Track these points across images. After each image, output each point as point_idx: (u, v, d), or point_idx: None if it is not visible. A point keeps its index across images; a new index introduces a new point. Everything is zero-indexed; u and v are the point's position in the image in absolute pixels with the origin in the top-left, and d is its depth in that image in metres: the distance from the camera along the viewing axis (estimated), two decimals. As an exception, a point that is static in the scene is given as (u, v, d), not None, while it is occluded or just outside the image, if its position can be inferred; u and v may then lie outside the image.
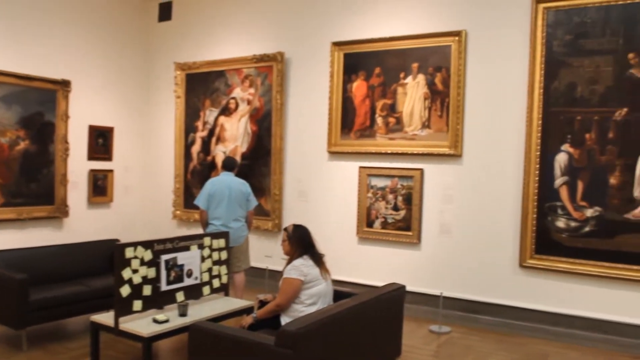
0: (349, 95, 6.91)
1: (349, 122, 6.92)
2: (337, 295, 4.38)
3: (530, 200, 5.77)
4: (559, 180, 5.66)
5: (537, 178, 5.73)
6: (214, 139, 8.12)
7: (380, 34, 6.65)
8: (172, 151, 8.56)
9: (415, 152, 6.43)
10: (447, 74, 6.24)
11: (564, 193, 5.63)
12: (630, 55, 5.31)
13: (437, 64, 6.30)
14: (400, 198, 6.53)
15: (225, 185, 5.93)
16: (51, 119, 7.43)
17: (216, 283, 5.14)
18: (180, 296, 4.72)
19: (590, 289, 5.52)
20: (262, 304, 4.42)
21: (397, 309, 4.56)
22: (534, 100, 5.72)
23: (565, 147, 5.62)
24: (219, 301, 5.08)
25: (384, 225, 6.65)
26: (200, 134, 8.27)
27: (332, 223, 6.99)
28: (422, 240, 6.45)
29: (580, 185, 5.56)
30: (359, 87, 6.84)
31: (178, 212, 8.50)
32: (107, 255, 5.96)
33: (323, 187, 7.17)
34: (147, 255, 4.46)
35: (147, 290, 4.44)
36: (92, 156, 8.05)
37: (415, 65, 6.44)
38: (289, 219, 6.92)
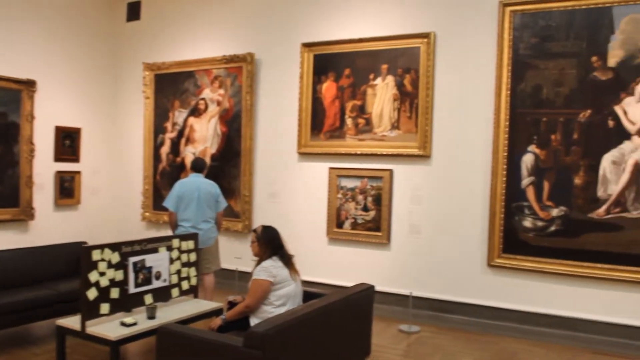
0: (318, 96, 6.92)
1: (318, 123, 6.93)
2: (307, 296, 4.38)
3: (497, 200, 5.85)
4: (525, 181, 5.75)
5: (504, 178, 5.81)
6: (183, 140, 8.06)
7: (349, 35, 6.68)
8: (141, 152, 8.46)
9: (384, 153, 6.47)
10: (416, 76, 6.29)
11: (530, 193, 5.73)
12: (594, 59, 5.43)
13: (406, 65, 6.35)
14: (369, 199, 6.56)
15: (195, 187, 5.89)
16: (15, 119, 7.27)
17: (185, 285, 5.09)
18: (148, 299, 4.66)
19: (556, 287, 5.62)
20: (232, 305, 4.41)
21: (366, 309, 4.57)
22: (502, 101, 5.80)
23: (532, 147, 5.72)
24: (188, 303, 5.03)
25: (354, 225, 6.67)
26: (170, 135, 8.19)
27: (302, 224, 7.00)
28: (392, 241, 6.49)
29: (546, 186, 5.66)
30: (328, 88, 6.86)
31: (147, 213, 8.41)
32: (74, 259, 5.85)
33: (293, 188, 7.17)
34: (115, 257, 4.39)
35: (114, 293, 4.37)
36: (58, 157, 7.90)
37: (384, 66, 6.48)
38: (259, 220, 6.89)
